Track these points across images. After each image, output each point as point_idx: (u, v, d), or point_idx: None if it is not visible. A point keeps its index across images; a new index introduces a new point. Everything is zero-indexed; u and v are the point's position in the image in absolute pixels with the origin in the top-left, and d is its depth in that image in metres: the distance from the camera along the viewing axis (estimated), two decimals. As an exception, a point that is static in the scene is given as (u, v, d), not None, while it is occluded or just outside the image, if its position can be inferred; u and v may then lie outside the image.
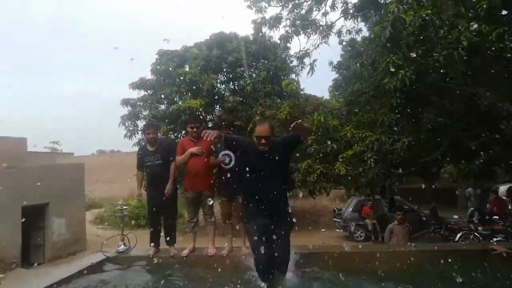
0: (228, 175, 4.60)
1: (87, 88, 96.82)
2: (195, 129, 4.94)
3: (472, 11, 6.50)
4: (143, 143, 14.43)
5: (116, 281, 4.79)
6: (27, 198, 11.01)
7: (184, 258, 5.09)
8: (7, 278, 9.30)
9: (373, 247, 7.15)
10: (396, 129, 7.66)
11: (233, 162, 4.67)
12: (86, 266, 4.99)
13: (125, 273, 5.10)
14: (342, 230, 13.76)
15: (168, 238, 5.45)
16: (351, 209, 13.46)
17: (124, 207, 6.47)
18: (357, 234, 13.00)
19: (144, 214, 18.12)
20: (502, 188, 13.00)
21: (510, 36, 5.31)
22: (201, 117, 4.46)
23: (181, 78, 13.81)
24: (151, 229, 5.52)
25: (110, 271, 5.16)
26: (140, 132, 14.46)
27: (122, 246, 6.24)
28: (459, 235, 9.29)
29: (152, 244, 5.46)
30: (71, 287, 4.36)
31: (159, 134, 5.46)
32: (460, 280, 3.91)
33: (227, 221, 4.99)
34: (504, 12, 7.34)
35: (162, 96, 14.54)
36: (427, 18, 5.42)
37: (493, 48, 7.03)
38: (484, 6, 5.38)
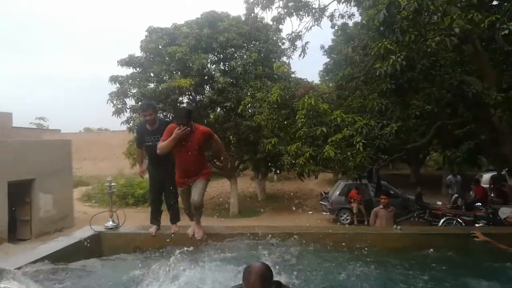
0: None
1: (75, 66, 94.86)
2: (181, 127, 4.49)
3: (465, -1, 6.55)
4: (132, 122, 14.30)
5: (106, 256, 4.83)
6: (13, 173, 10.92)
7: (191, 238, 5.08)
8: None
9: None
10: (385, 114, 7.74)
11: None
12: (76, 241, 5.03)
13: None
14: (328, 213, 13.99)
15: (171, 216, 5.45)
16: (338, 192, 13.65)
17: (113, 184, 6.47)
18: (343, 218, 13.24)
19: (132, 193, 18.17)
20: (486, 176, 13.32)
21: (501, 25, 5.35)
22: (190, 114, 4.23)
23: (171, 56, 13.62)
24: (153, 208, 5.51)
25: (100, 246, 5.20)
26: (128, 110, 14.31)
27: (111, 223, 6.27)
28: (442, 220, 9.53)
29: (154, 222, 5.53)
30: (61, 261, 4.38)
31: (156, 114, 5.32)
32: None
33: None
34: (495, 2, 7.41)
35: (151, 74, 14.35)
36: (422, 2, 5.42)
37: (484, 37, 7.12)
38: (478, -7, 5.40)
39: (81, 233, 5.83)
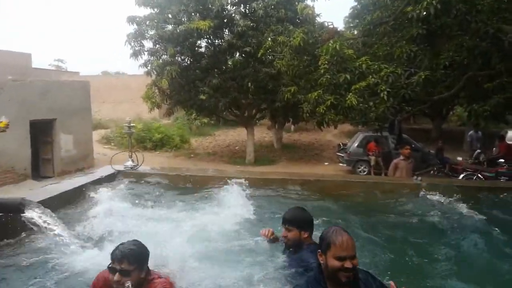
0: None
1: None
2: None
3: None
4: (149, 65, 14.03)
5: (128, 191, 4.95)
6: (34, 113, 11.08)
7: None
8: (19, 187, 9.70)
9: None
10: (413, 62, 7.38)
11: None
12: (98, 178, 5.16)
13: (134, 185, 5.30)
14: (345, 164, 13.96)
15: None
16: (356, 144, 13.49)
17: (132, 125, 6.49)
18: (360, 169, 13.20)
19: (150, 137, 18.44)
20: (511, 133, 12.94)
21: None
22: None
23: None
24: None
25: (120, 183, 5.33)
26: (146, 53, 14.07)
27: (130, 162, 6.37)
28: (462, 175, 9.38)
29: None
30: (85, 195, 4.51)
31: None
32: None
33: None
34: None
35: (169, 15, 13.89)
36: None
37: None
38: None
39: (102, 171, 5.96)
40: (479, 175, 9.14)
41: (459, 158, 11.75)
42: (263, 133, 23.07)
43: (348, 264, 1.96)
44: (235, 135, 22.90)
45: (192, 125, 22.32)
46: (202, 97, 14.54)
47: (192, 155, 17.40)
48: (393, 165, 7.09)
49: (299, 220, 2.76)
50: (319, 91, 7.46)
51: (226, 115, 17.20)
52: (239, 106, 15.57)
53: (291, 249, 2.81)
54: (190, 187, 5.44)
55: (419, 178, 5.41)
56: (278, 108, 14.40)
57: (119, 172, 6.02)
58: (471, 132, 13.34)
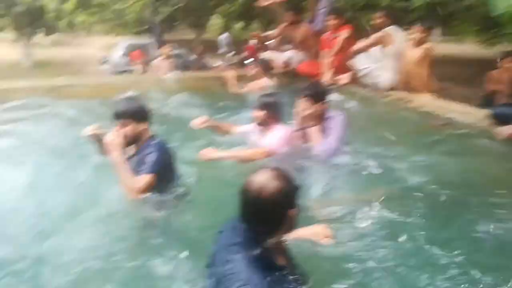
0: None
1: None
2: None
3: None
4: None
5: None
6: None
7: None
8: None
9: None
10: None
11: None
12: None
13: None
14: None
15: None
16: (121, 53, 12.74)
17: None
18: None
19: None
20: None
21: None
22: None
23: None
24: None
25: None
26: None
27: None
28: (219, 76, 10.31)
29: None
30: None
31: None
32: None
33: None
34: None
35: None
36: None
37: None
38: None
39: None
40: (233, 74, 10.27)
41: (219, 63, 12.83)
42: (6, 49, 19.09)
43: None
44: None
45: None
46: None
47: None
48: (154, 66, 7.14)
49: (135, 110, 2.37)
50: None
51: None
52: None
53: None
54: None
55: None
56: (20, 14, 11.92)
57: None
58: (220, 36, 15.02)
